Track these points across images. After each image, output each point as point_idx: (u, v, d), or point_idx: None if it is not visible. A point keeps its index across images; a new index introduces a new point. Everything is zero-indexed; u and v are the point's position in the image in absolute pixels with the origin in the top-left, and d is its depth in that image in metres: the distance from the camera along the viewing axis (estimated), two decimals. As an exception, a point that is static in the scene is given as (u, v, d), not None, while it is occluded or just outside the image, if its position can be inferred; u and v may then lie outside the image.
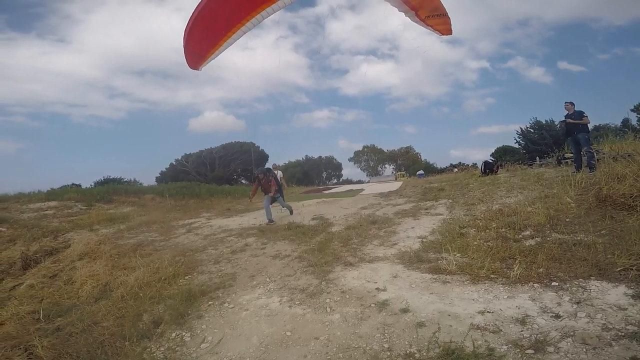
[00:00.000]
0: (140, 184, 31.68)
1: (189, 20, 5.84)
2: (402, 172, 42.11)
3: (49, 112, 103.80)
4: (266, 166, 12.49)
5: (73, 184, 28.09)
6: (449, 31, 6.66)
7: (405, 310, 3.29)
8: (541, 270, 3.66)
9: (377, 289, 3.89)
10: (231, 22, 6.10)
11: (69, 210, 12.77)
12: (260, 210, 11.61)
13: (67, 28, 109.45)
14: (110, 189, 17.36)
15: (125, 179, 36.23)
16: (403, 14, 6.28)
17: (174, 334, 3.50)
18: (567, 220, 5.09)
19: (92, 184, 33.57)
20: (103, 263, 5.88)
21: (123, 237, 8.41)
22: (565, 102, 8.61)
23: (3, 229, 9.36)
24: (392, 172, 49.32)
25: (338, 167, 57.30)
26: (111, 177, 36.68)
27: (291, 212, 9.70)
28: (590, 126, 8.82)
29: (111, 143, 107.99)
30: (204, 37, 6.23)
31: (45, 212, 12.28)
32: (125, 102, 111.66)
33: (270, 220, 8.56)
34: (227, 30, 6.17)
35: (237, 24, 6.11)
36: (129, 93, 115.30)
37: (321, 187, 25.08)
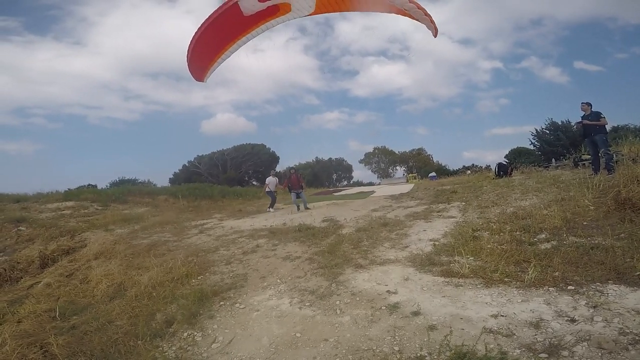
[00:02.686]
0: (154, 185, 32.46)
1: (192, 39, 6.34)
2: (414, 174, 41.61)
3: (67, 113, 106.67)
4: (271, 173, 13.49)
5: (89, 184, 28.88)
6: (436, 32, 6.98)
7: (416, 313, 3.26)
8: (557, 274, 3.57)
9: (388, 291, 3.86)
10: (228, 40, 6.70)
11: (85, 211, 13.09)
12: (271, 212, 11.73)
13: (83, 31, 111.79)
14: (125, 190, 17.76)
15: (140, 180, 36.99)
16: (404, 10, 6.53)
17: (185, 334, 3.55)
18: (585, 223, 4.96)
19: (108, 184, 34.45)
20: (118, 263, 6.02)
21: (137, 237, 8.57)
22: (582, 103, 8.41)
23: (22, 228, 9.66)
24: (404, 174, 48.76)
25: (348, 168, 57.00)
26: (126, 178, 37.49)
27: (305, 208, 11.30)
28: (608, 127, 8.58)
29: (126, 144, 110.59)
30: (205, 52, 6.71)
31: (63, 212, 12.61)
32: (139, 104, 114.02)
33: (298, 208, 11.20)
34: (224, 45, 6.74)
35: (234, 40, 6.79)
36: (143, 95, 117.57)
37: (331, 189, 25.11)
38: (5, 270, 6.21)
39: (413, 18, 6.69)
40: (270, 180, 12.59)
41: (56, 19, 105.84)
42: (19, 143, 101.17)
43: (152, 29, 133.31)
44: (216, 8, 6.19)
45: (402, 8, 6.41)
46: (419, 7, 6.37)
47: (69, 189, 18.03)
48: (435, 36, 7.04)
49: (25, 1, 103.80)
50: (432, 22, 6.71)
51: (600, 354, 2.31)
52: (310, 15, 6.94)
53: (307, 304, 3.85)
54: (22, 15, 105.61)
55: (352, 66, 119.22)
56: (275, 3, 6.23)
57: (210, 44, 6.68)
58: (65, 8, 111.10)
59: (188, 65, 6.87)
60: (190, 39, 6.41)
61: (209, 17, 6.12)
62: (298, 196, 11.58)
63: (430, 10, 6.57)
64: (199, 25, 6.28)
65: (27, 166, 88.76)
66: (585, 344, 2.44)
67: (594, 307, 2.89)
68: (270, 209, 12.00)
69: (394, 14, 6.87)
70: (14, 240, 8.76)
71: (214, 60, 7.14)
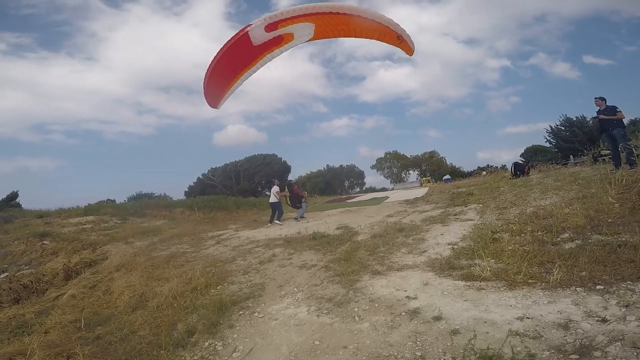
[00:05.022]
0: (170, 198, 32.90)
1: (208, 68, 6.87)
2: (428, 178, 41.03)
3: (84, 129, 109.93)
4: (274, 182, 13.28)
5: (108, 199, 29.56)
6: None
7: (438, 318, 3.19)
8: (584, 273, 3.46)
9: (408, 297, 3.80)
10: (239, 68, 7.50)
11: (106, 225, 13.39)
12: (285, 221, 11.75)
13: (94, 46, 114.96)
14: (143, 204, 18.15)
15: (156, 194, 37.72)
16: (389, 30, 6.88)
17: (207, 343, 3.58)
18: (609, 220, 4.80)
19: (126, 199, 35.20)
20: (138, 274, 6.13)
21: (156, 249, 8.70)
22: (595, 98, 8.20)
23: (47, 242, 9.96)
24: (417, 178, 48.17)
25: (360, 175, 56.57)
26: (143, 192, 38.32)
27: (297, 218, 11.92)
28: (625, 121, 8.33)
29: (141, 158, 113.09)
30: (219, 81, 7.23)
31: (84, 226, 12.95)
32: (153, 117, 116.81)
33: (302, 217, 11.85)
34: (236, 73, 7.29)
35: (244, 68, 7.41)
36: (156, 109, 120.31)
37: (344, 196, 24.96)
38: (32, 283, 6.40)
39: (395, 44, 6.95)
40: (277, 190, 12.22)
41: (67, 34, 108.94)
42: (40, 160, 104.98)
43: (161, 43, 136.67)
44: (228, 38, 6.84)
45: (386, 25, 6.63)
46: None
47: (89, 204, 18.50)
48: (411, 54, 7.48)
49: (36, 17, 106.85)
50: (409, 36, 7.06)
51: (635, 354, 2.21)
52: (310, 40, 7.31)
53: (325, 312, 3.83)
54: (35, 32, 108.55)
55: (359, 72, 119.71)
56: (280, 33, 6.71)
57: (224, 73, 7.15)
58: (75, 24, 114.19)
59: (204, 93, 7.27)
60: (206, 69, 6.81)
61: (223, 46, 6.55)
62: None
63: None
64: (214, 55, 6.69)
65: (48, 182, 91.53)
66: (619, 343, 2.34)
67: (626, 306, 2.77)
68: (277, 220, 11.61)
69: (378, 41, 7.27)
70: (39, 253, 9.03)
71: (227, 89, 7.55)
